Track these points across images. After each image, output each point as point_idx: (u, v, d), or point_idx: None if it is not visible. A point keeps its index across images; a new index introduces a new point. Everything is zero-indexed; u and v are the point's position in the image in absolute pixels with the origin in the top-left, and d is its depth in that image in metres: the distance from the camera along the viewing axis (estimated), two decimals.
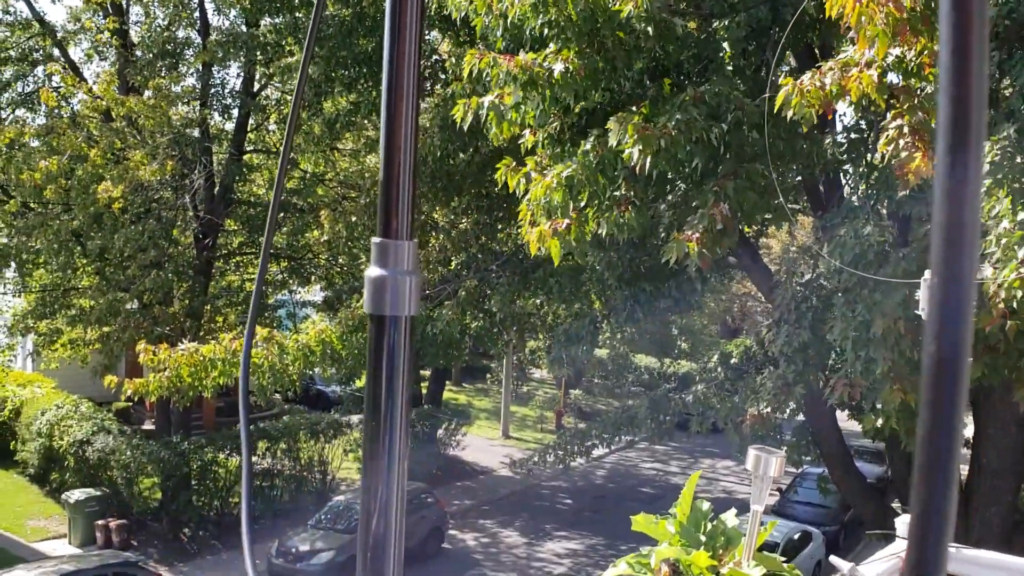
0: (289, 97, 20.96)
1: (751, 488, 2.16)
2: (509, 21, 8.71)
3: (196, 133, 20.35)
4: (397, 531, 0.98)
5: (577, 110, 9.23)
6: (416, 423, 24.73)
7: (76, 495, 18.48)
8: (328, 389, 30.63)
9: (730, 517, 2.21)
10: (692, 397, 13.89)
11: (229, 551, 18.73)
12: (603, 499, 24.70)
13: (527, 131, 9.18)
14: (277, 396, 26.11)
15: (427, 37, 18.25)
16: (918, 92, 7.02)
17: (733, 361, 15.58)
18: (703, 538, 2.11)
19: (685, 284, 14.93)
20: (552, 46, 8.54)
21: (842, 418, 13.35)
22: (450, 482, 25.00)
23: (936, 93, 6.93)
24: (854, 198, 11.26)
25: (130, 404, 24.94)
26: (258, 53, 19.38)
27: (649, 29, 8.50)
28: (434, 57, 17.99)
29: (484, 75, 8.42)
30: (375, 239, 0.96)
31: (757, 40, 10.20)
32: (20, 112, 21.56)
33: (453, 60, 16.05)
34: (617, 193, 8.53)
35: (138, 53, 20.10)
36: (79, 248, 19.22)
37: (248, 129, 22.03)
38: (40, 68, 20.89)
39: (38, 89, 20.46)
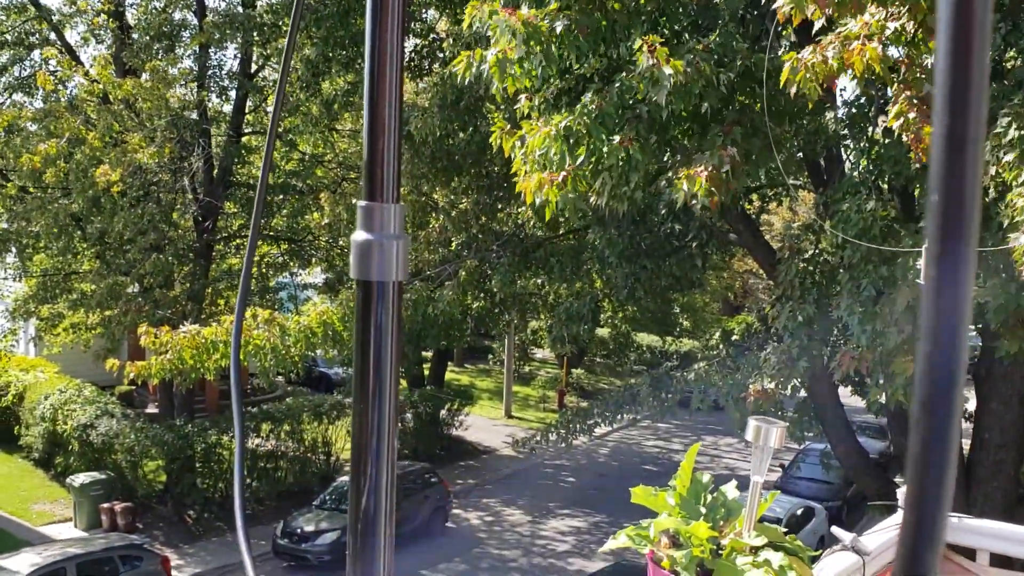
0: (288, 79, 20.85)
1: (751, 459, 2.15)
2: None
3: (194, 115, 20.27)
4: (388, 509, 0.94)
5: (576, 73, 9.11)
6: (419, 404, 24.80)
7: (81, 479, 18.56)
8: (331, 371, 30.68)
9: (730, 489, 2.19)
10: (694, 374, 13.88)
11: (234, 532, 18.78)
12: (605, 477, 24.79)
13: (523, 96, 9.07)
14: (280, 378, 26.18)
15: (424, 16, 18.12)
16: (921, 63, 6.94)
17: (735, 338, 15.56)
18: (703, 510, 2.09)
19: (686, 261, 14.89)
20: (554, 3, 8.41)
21: (844, 394, 13.34)
22: (453, 462, 25.10)
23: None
24: (855, 173, 11.19)
25: (133, 388, 25.01)
26: (255, 34, 19.28)
27: None
28: (431, 36, 17.86)
29: (484, 28, 8.27)
30: (360, 202, 0.92)
31: (756, 7, 10.08)
32: (17, 96, 21.48)
33: (451, 40, 15.96)
34: (620, 135, 8.36)
35: (134, 36, 19.99)
36: (79, 232, 19.21)
37: (246, 111, 21.94)
38: (36, 52, 20.76)
39: (35, 73, 20.36)
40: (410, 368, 27.01)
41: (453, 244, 17.91)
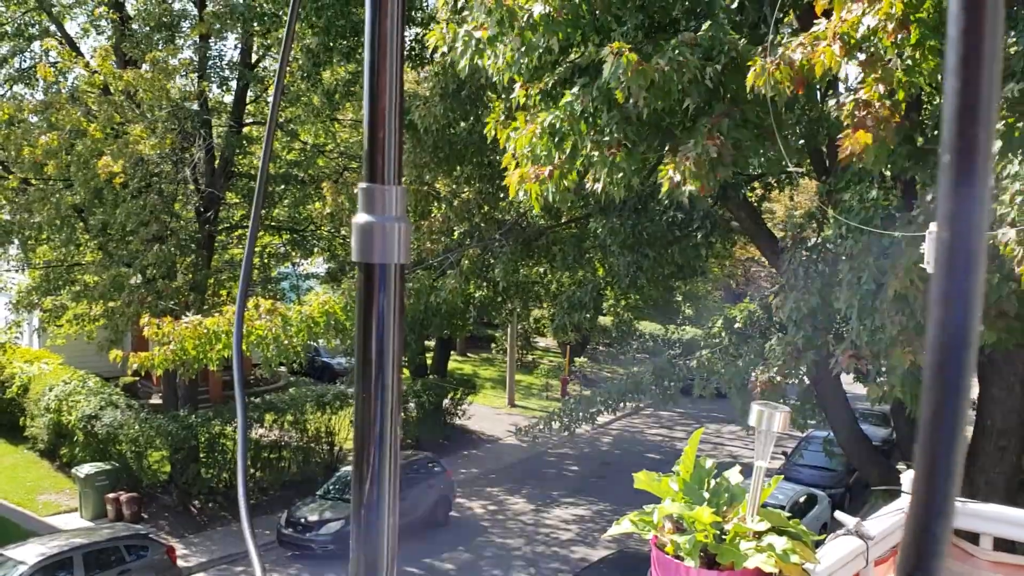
0: (288, 69, 20.80)
1: (755, 444, 2.15)
2: None
3: (195, 106, 20.22)
4: (391, 498, 0.93)
5: (570, 59, 9.07)
6: (422, 393, 24.83)
7: (86, 469, 18.62)
8: (334, 361, 30.74)
9: (733, 474, 2.19)
10: (696, 362, 13.88)
11: (238, 522, 18.87)
12: (609, 465, 24.83)
13: (517, 85, 9.04)
14: (283, 368, 26.20)
15: (425, 5, 18.05)
16: (885, 62, 6.97)
17: (737, 326, 15.56)
18: (706, 495, 2.09)
19: (689, 250, 14.87)
20: None
21: (847, 381, 13.35)
22: (457, 451, 25.14)
23: (893, 63, 6.89)
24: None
25: (137, 379, 25.07)
26: (255, 24, 19.20)
27: None
28: (432, 25, 17.77)
29: (459, 5, 8.29)
30: (361, 184, 0.91)
31: None
32: (18, 88, 21.45)
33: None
34: (607, 138, 8.38)
35: (135, 26, 19.93)
36: (81, 223, 19.21)
37: (247, 101, 21.89)
38: (37, 43, 20.73)
39: (35, 65, 20.34)
40: (413, 357, 27.02)
41: (456, 233, 17.90)
